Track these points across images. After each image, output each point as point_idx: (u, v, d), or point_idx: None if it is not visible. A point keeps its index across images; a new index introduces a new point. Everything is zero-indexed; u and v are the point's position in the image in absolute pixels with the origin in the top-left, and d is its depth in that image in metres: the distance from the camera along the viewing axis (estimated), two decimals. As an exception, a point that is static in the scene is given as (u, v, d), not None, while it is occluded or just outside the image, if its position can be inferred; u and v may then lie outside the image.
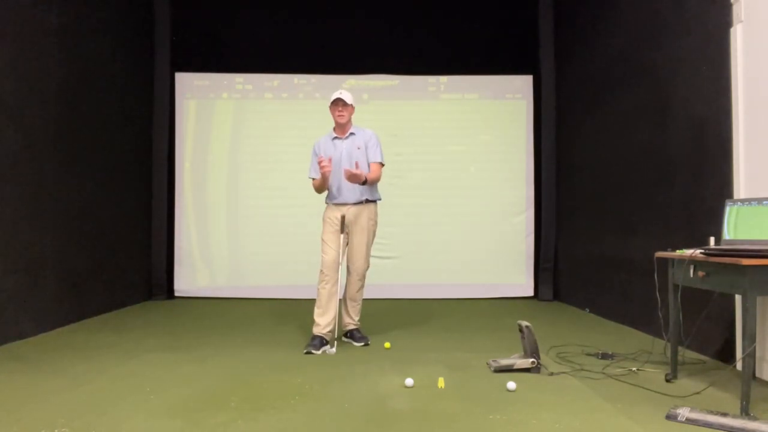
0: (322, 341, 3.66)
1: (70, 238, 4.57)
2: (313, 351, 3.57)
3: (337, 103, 3.84)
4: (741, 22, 3.18)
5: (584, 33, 5.50)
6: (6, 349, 3.65)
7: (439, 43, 6.40)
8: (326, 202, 3.96)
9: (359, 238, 3.86)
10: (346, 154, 3.86)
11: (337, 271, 3.75)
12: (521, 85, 6.45)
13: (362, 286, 3.96)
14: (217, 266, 6.30)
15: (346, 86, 6.33)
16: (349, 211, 3.84)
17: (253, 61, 6.36)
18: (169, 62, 6.22)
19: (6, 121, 3.83)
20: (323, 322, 3.71)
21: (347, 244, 3.89)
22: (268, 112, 6.39)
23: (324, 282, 3.75)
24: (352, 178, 3.67)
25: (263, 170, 6.36)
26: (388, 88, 6.44)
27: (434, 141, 6.41)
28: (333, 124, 3.95)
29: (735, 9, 3.23)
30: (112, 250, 5.29)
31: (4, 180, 3.81)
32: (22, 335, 3.94)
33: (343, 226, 3.80)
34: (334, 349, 3.61)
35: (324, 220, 3.90)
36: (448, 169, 6.40)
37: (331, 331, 3.75)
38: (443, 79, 6.46)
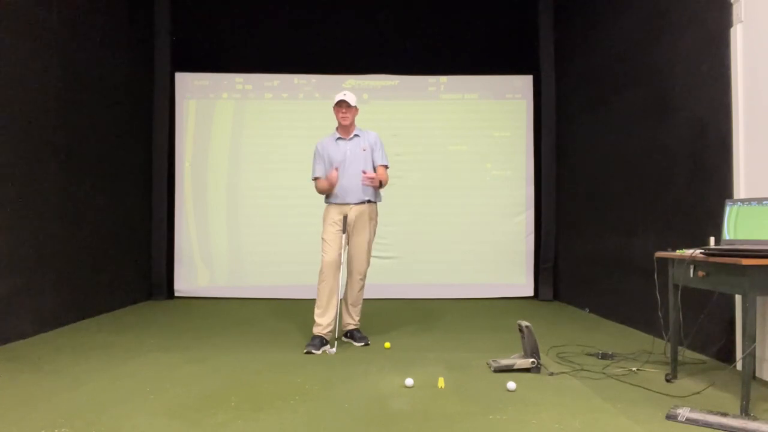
0: (322, 341, 3.66)
1: (69, 238, 4.57)
2: (313, 351, 3.56)
3: (341, 105, 3.83)
4: (741, 22, 3.18)
5: (584, 33, 5.50)
6: (6, 349, 3.65)
7: (439, 43, 6.40)
8: (327, 202, 3.96)
9: (361, 238, 3.86)
10: (351, 155, 3.86)
11: (338, 271, 3.75)
12: (521, 85, 6.45)
13: (363, 286, 3.97)
14: (217, 266, 6.30)
15: (347, 86, 6.32)
16: (352, 211, 3.83)
17: (253, 61, 6.36)
18: (169, 62, 6.22)
19: (5, 120, 3.83)
20: (324, 322, 3.71)
21: (347, 243, 3.89)
22: (268, 112, 6.39)
23: (324, 282, 3.74)
24: (369, 182, 3.76)
25: (263, 170, 6.36)
26: (388, 88, 6.44)
27: (434, 141, 6.41)
28: (334, 124, 3.96)
29: (735, 9, 3.23)
30: (112, 250, 5.29)
31: (3, 180, 3.81)
32: (22, 335, 3.94)
33: (345, 226, 3.80)
34: (334, 349, 3.61)
35: (324, 219, 3.89)
36: (448, 169, 6.40)
37: (332, 331, 3.75)
38: (443, 79, 6.46)
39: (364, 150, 3.88)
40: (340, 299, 3.87)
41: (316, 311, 3.75)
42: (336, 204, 3.88)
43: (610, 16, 4.92)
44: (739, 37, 3.19)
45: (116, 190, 5.38)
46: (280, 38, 6.35)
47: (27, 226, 4.04)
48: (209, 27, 6.36)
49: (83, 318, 4.75)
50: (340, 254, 3.77)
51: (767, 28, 3.00)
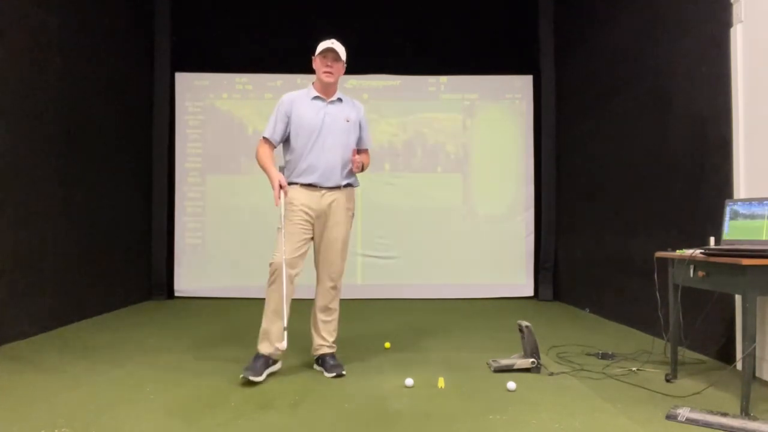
0: (265, 359, 2.99)
1: (69, 238, 4.57)
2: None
3: (327, 56, 2.91)
4: (741, 22, 3.18)
5: (584, 33, 5.50)
6: (6, 349, 3.65)
7: (439, 43, 6.40)
8: (290, 181, 3.00)
9: (335, 233, 3.00)
10: (330, 121, 2.96)
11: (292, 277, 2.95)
12: (521, 85, 6.45)
13: (338, 295, 3.08)
14: (217, 266, 6.30)
15: (348, 86, 6.32)
16: (324, 198, 2.96)
17: (253, 61, 6.36)
18: (169, 62, 6.22)
19: (5, 120, 3.82)
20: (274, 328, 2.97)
21: (315, 239, 3.04)
22: (269, 112, 6.33)
23: (274, 285, 2.91)
24: (358, 167, 2.98)
25: (263, 170, 6.34)
26: (388, 88, 6.44)
27: (434, 141, 6.41)
28: None
29: (735, 9, 3.23)
30: (112, 250, 5.29)
31: (3, 180, 3.80)
32: (22, 335, 3.93)
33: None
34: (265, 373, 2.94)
35: (288, 203, 2.93)
36: (448, 169, 6.41)
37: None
38: (443, 79, 6.46)
39: (348, 121, 3.00)
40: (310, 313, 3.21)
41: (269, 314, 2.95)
42: (304, 186, 2.95)
43: (610, 17, 4.92)
44: (739, 37, 3.19)
45: (116, 190, 5.38)
46: (280, 38, 6.34)
47: (27, 227, 4.04)
48: (209, 27, 6.35)
49: (83, 318, 4.75)
50: (300, 255, 2.92)
51: (767, 28, 3.00)
